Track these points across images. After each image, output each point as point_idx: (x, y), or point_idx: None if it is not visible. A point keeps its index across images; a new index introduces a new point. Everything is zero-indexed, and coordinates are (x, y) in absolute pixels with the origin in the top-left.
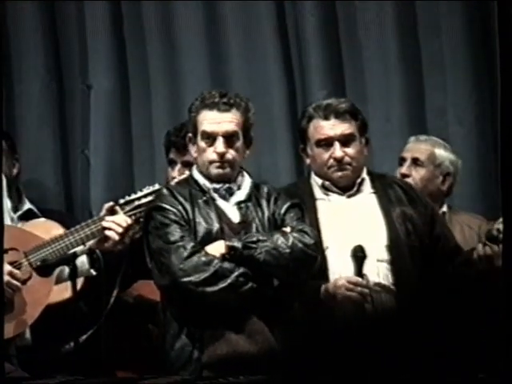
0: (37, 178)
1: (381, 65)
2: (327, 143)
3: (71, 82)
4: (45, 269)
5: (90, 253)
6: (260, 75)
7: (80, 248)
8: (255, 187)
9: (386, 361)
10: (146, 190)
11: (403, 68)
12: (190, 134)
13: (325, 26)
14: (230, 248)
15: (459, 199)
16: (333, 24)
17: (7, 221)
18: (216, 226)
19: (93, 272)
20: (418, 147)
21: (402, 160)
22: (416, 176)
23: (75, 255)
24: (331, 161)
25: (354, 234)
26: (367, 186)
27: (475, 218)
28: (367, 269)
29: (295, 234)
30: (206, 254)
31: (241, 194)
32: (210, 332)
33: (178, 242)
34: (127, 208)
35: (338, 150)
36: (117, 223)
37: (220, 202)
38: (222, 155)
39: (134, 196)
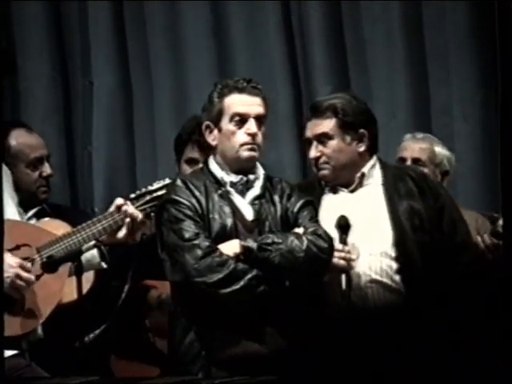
0: None
1: (386, 61)
2: (309, 143)
3: (75, 78)
4: (50, 265)
5: (97, 246)
6: (265, 71)
7: (86, 245)
8: (268, 180)
9: (382, 356)
10: (156, 185)
11: (408, 64)
12: (207, 122)
13: (330, 23)
14: (245, 249)
15: (464, 196)
16: (338, 20)
17: (15, 216)
18: (230, 221)
19: (104, 265)
20: (418, 146)
21: (402, 160)
22: None
23: (81, 252)
24: (312, 161)
25: (355, 228)
26: (374, 179)
27: (470, 213)
28: (368, 264)
29: (310, 237)
30: (221, 254)
31: (256, 187)
32: (220, 331)
33: (193, 239)
34: (138, 203)
35: (312, 150)
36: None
37: (235, 198)
38: (254, 136)
39: (144, 190)
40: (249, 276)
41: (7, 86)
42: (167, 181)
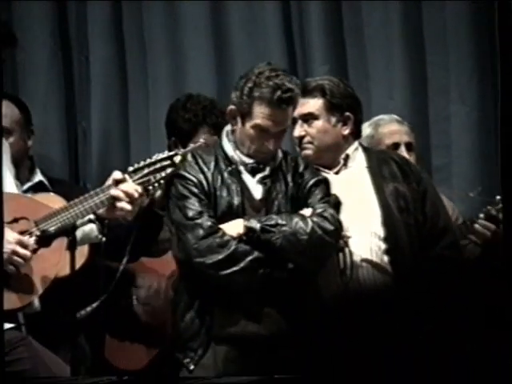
0: (43, 147)
1: (383, 41)
2: (292, 122)
3: (74, 52)
4: (44, 239)
5: (92, 221)
6: (262, 50)
7: (80, 220)
8: (284, 158)
9: (370, 338)
10: (155, 157)
11: (406, 46)
12: (233, 108)
13: (328, 3)
14: (248, 229)
15: (458, 177)
16: (336, 1)
17: (13, 188)
18: (237, 200)
19: (102, 238)
20: (405, 129)
21: (395, 146)
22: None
23: (75, 226)
24: (296, 140)
25: (343, 208)
26: (358, 162)
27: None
28: (358, 244)
29: (315, 219)
30: (222, 234)
31: (267, 170)
32: (220, 309)
33: (196, 218)
34: (136, 176)
35: (296, 129)
36: (127, 193)
37: (245, 176)
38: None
39: (143, 163)
40: (249, 258)
41: (8, 60)
42: (166, 153)
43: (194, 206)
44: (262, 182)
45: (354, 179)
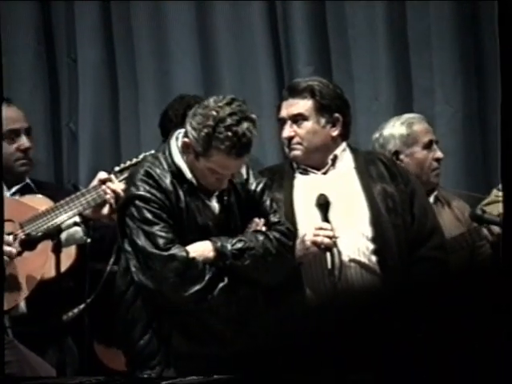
0: None
1: (368, 43)
2: (281, 123)
3: (61, 54)
4: (28, 243)
5: (77, 224)
6: (247, 50)
7: (65, 222)
8: None
9: (356, 337)
10: (141, 157)
11: (390, 46)
12: (187, 141)
13: (312, 5)
14: (219, 252)
15: (444, 178)
16: (320, 2)
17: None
18: (201, 219)
19: (87, 240)
20: (431, 128)
21: (432, 143)
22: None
23: (60, 229)
24: (285, 140)
25: (332, 208)
26: (346, 163)
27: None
28: (346, 244)
29: (276, 235)
30: (196, 265)
31: None
32: (180, 329)
33: (168, 249)
34: (122, 176)
35: (285, 130)
36: (114, 192)
37: (201, 194)
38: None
39: (128, 163)
40: (221, 285)
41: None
42: (152, 152)
43: (163, 233)
44: (217, 198)
45: (341, 179)
